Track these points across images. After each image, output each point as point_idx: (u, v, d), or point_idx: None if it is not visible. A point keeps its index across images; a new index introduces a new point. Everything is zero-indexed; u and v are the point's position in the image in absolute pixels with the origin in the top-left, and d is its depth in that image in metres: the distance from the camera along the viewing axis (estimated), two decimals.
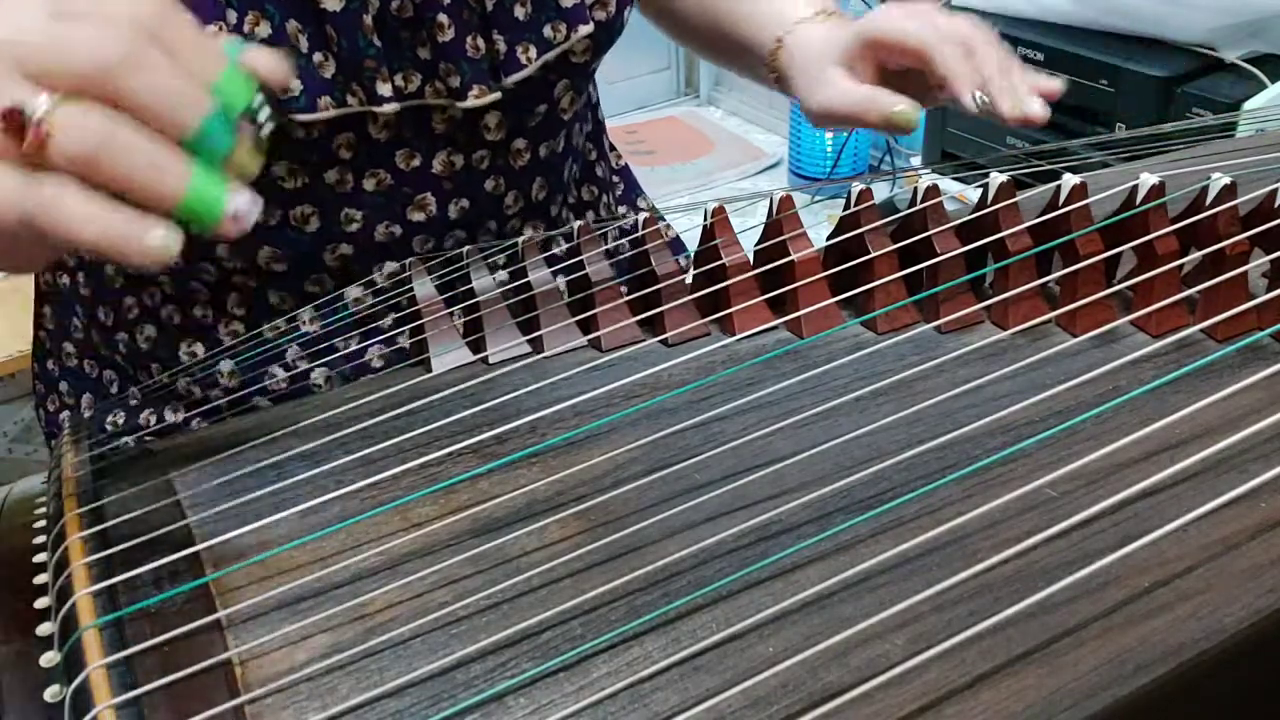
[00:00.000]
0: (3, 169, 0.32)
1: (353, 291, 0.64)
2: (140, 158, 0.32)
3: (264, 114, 0.36)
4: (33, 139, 0.32)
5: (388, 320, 0.64)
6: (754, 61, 0.70)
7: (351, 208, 0.61)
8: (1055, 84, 0.59)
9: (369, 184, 0.61)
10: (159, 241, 0.33)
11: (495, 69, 0.59)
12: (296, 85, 0.55)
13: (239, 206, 0.34)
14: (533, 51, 0.59)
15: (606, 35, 0.63)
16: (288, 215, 0.60)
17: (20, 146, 0.32)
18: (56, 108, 0.32)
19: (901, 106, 0.58)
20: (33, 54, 0.32)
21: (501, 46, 0.59)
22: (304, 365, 0.65)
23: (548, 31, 0.60)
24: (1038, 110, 0.57)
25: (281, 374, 0.64)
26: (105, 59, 0.32)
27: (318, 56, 0.56)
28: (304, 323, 0.64)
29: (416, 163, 0.61)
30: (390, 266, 0.63)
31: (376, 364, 0.65)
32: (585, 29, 0.60)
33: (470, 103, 0.59)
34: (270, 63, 0.37)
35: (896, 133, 0.60)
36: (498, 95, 0.59)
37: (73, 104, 0.32)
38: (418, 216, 0.62)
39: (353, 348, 0.64)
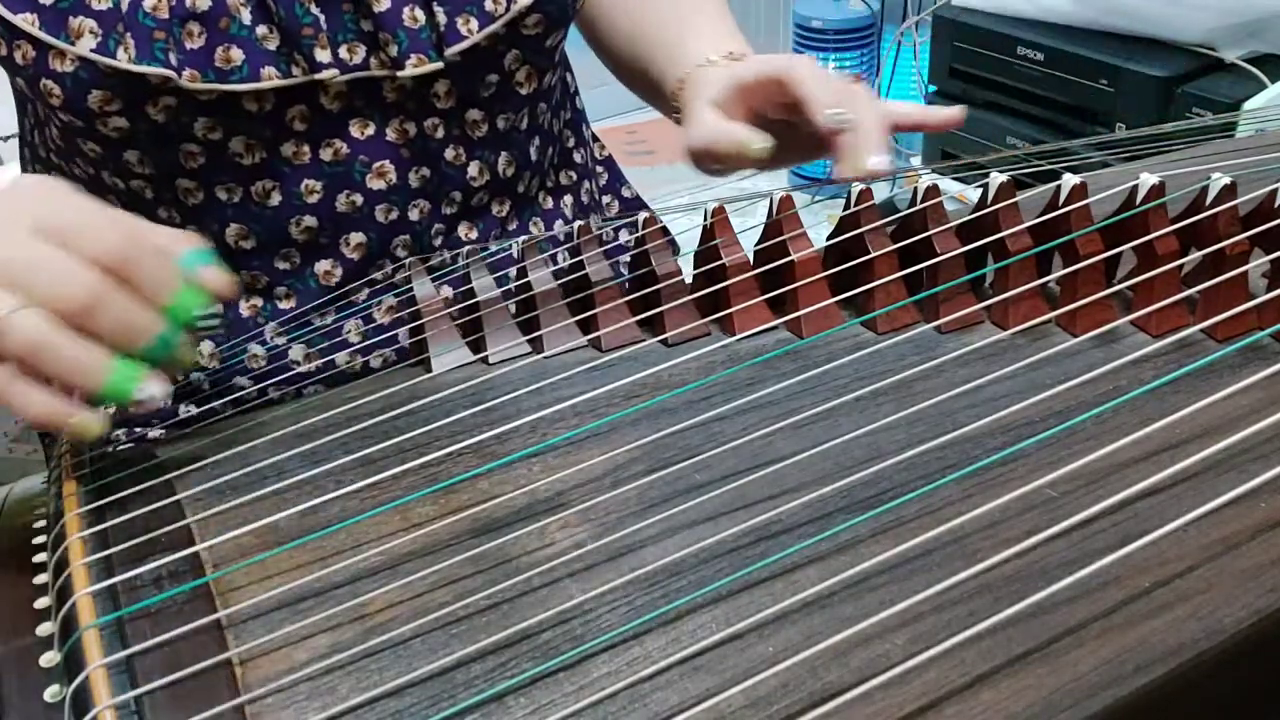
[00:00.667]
0: None
1: (322, 265, 0.64)
2: (67, 358, 0.41)
3: (207, 321, 0.46)
4: None
5: (362, 294, 0.65)
6: (663, 102, 0.70)
7: (311, 179, 0.62)
8: (954, 112, 0.59)
9: (326, 154, 0.61)
10: (78, 425, 0.43)
11: (439, 40, 0.60)
12: (239, 56, 0.56)
13: (146, 395, 0.43)
14: (474, 24, 0.60)
15: (557, 9, 0.63)
16: (249, 191, 0.61)
17: None
18: (13, 313, 0.41)
19: (759, 144, 0.58)
20: (10, 272, 0.41)
21: (441, 18, 0.60)
22: (282, 343, 0.65)
23: (489, 4, 0.61)
24: (877, 164, 0.56)
25: (261, 352, 0.65)
26: (69, 304, 0.41)
27: (261, 30, 0.57)
28: (279, 299, 0.65)
29: (370, 131, 0.62)
30: (357, 238, 0.64)
31: (354, 339, 0.65)
32: (524, 1, 0.61)
33: (410, 71, 0.59)
34: (218, 278, 0.46)
35: (750, 167, 0.59)
36: (438, 66, 0.60)
37: (27, 312, 0.41)
38: (378, 185, 0.63)
39: (330, 320, 0.65)
